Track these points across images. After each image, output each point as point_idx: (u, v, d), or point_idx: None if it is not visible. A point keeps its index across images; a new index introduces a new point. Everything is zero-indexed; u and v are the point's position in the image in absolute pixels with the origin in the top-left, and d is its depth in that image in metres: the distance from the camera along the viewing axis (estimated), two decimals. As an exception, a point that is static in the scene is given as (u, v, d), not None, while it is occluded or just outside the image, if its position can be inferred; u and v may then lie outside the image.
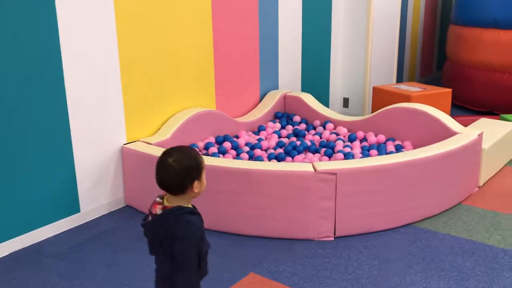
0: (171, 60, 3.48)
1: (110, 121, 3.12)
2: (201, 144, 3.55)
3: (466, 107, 5.71)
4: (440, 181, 3.01)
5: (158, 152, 3.06)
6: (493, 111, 5.38)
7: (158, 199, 1.53)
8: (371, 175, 2.75)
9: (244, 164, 2.79)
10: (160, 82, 3.42)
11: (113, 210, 3.21)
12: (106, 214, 3.16)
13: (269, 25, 4.38)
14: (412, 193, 2.89)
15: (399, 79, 6.85)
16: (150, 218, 1.53)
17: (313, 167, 2.72)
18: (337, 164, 2.75)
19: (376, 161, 2.80)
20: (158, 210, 1.49)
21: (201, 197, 1.57)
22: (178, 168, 1.46)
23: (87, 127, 2.98)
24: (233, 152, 3.51)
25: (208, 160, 2.83)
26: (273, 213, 2.74)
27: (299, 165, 2.77)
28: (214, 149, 3.45)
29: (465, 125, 4.26)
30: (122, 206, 3.27)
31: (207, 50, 3.76)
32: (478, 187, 3.45)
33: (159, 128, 3.45)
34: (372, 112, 4.69)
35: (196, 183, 1.48)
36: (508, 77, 5.09)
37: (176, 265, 1.44)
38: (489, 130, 3.72)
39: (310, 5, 4.80)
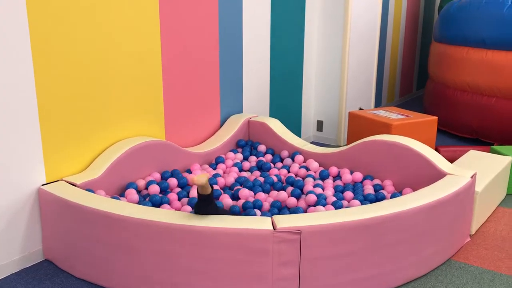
0: (107, 77, 2.86)
1: (22, 154, 2.49)
2: (142, 183, 2.93)
3: (450, 132, 5.23)
4: (428, 235, 2.47)
5: (82, 196, 2.46)
6: (479, 138, 4.92)
7: None
8: (346, 233, 2.19)
9: (179, 218, 2.18)
10: (91, 104, 2.80)
11: (28, 266, 2.59)
12: (16, 272, 2.53)
13: (231, 38, 3.79)
14: (395, 252, 2.35)
15: (378, 99, 6.37)
16: None
17: (272, 223, 2.15)
18: (303, 220, 2.18)
19: (352, 215, 2.24)
20: None
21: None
22: None
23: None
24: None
25: (134, 211, 2.23)
26: (216, 282, 2.15)
27: (253, 220, 2.19)
28: (156, 188, 2.84)
29: (452, 158, 3.78)
30: (40, 260, 2.64)
31: (154, 64, 3.16)
32: (470, 236, 2.94)
33: (90, 163, 2.83)
34: (348, 138, 4.18)
35: None
36: (497, 101, 4.63)
37: None
38: (481, 167, 3.23)
39: (279, 18, 4.24)
